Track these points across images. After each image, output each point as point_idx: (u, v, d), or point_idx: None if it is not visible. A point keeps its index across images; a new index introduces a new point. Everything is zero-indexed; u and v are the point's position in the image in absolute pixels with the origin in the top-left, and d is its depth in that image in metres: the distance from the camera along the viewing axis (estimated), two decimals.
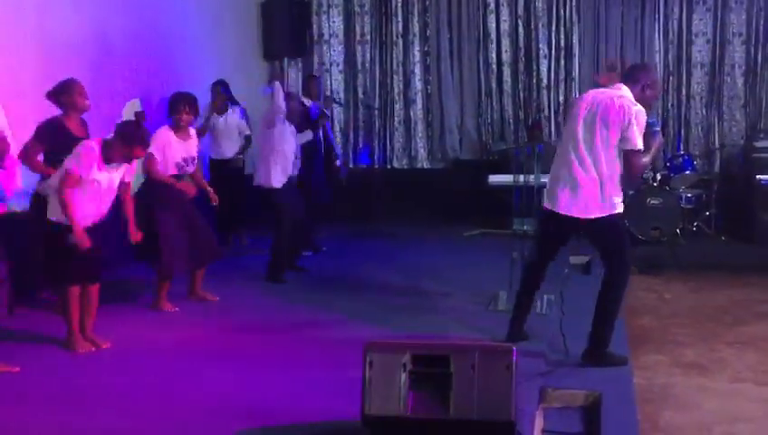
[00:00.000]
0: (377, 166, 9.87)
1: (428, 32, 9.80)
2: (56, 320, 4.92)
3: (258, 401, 3.65)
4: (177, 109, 5.30)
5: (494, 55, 9.61)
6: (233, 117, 7.58)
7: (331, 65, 10.06)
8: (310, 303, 5.54)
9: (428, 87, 9.87)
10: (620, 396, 3.78)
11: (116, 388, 3.84)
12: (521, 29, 9.53)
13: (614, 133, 4.11)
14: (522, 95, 9.60)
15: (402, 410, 3.00)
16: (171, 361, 4.27)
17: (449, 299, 5.62)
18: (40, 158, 4.87)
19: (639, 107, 4.15)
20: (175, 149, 5.29)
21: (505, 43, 9.60)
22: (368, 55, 9.99)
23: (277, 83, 6.40)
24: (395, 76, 9.95)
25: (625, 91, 4.20)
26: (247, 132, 7.73)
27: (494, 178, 7.10)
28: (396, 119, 10.01)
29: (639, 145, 4.12)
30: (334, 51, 10.05)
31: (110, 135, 4.52)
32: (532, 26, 9.49)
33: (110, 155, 4.39)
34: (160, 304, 5.35)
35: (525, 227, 5.34)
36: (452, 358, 3.03)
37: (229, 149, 7.62)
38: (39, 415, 3.48)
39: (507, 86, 9.63)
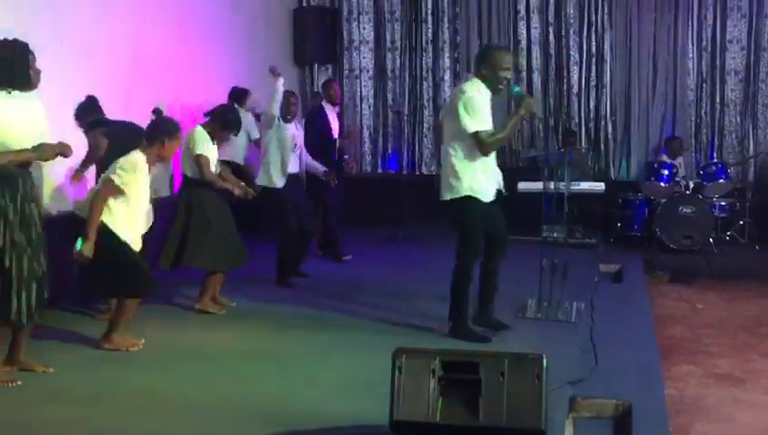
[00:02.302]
0: (405, 172, 9.86)
1: (458, 38, 9.81)
2: (89, 320, 5.00)
3: (285, 405, 3.66)
4: (219, 120, 5.34)
5: (524, 62, 9.57)
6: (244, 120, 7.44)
7: (360, 72, 10.12)
8: (336, 308, 5.54)
9: None
10: (651, 407, 3.73)
11: (144, 390, 3.87)
12: (551, 36, 9.49)
13: (456, 122, 4.46)
14: (552, 102, 9.56)
15: (431, 415, 3.00)
16: (196, 365, 4.29)
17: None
18: None
19: (470, 93, 4.45)
20: (213, 149, 5.34)
21: (536, 49, 9.56)
22: (397, 62, 10.03)
23: (279, 82, 6.13)
24: (424, 83, 9.97)
25: (467, 82, 4.58)
26: (256, 135, 7.52)
27: (524, 186, 7.05)
28: (425, 125, 10.03)
29: (472, 129, 4.43)
30: (364, 57, 10.10)
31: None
32: (563, 33, 9.45)
33: (150, 161, 4.43)
34: (204, 305, 5.38)
35: (555, 235, 5.30)
36: (481, 365, 3.02)
37: (238, 154, 7.55)
38: (69, 415, 3.52)
39: (537, 93, 9.58)
